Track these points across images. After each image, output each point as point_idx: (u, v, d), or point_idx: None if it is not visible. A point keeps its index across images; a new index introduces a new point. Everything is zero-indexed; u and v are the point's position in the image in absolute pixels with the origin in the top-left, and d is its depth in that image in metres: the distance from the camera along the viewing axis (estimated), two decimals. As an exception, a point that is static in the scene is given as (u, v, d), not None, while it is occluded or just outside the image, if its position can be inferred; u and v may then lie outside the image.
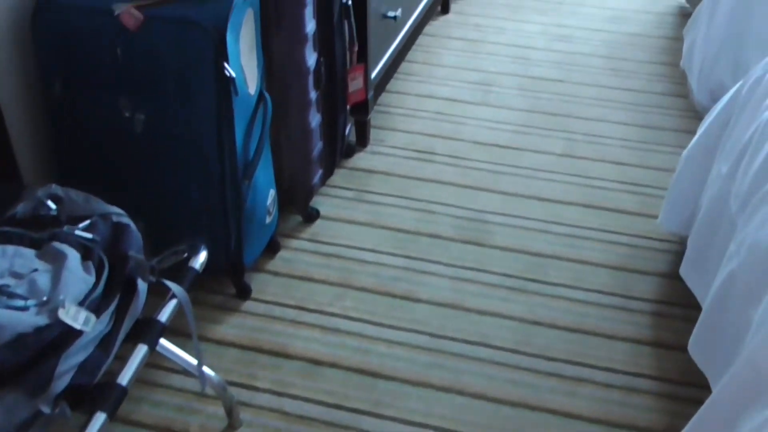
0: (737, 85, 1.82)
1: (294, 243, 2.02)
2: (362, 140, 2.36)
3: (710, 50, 2.38)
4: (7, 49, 1.63)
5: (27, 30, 1.63)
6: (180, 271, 1.44)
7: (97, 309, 1.24)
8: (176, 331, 1.44)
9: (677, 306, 1.87)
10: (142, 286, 1.31)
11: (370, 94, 2.26)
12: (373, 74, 2.28)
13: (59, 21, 1.57)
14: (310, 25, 1.83)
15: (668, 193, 1.97)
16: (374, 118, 2.44)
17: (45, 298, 1.20)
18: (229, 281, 1.87)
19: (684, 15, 3.15)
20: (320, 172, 2.08)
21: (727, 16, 2.35)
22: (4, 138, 1.64)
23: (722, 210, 1.62)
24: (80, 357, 1.20)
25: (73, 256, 1.28)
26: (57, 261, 1.27)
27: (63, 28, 1.57)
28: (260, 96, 1.74)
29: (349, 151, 2.32)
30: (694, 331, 1.58)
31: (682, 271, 1.80)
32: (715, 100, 2.35)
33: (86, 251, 1.31)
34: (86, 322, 1.20)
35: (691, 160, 1.90)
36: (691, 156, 1.90)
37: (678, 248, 2.00)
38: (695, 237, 1.76)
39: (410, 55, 2.79)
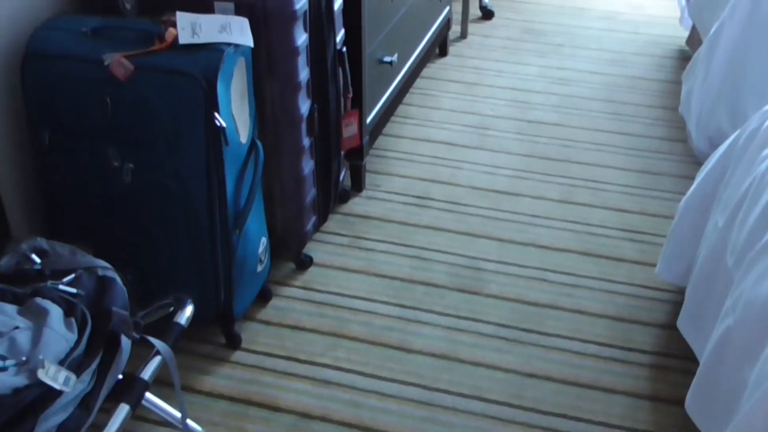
0: (734, 135, 1.80)
1: (286, 291, 2.00)
2: (357, 185, 2.35)
3: (708, 97, 2.37)
4: (-3, 98, 1.62)
5: (16, 78, 1.62)
6: (167, 323, 1.42)
7: (78, 367, 1.21)
8: (162, 382, 1.41)
9: (676, 358, 1.84)
10: (125, 343, 1.29)
11: (365, 139, 2.24)
12: (369, 119, 2.28)
13: (49, 70, 1.56)
14: (304, 73, 1.82)
15: (666, 243, 1.94)
16: (370, 162, 2.43)
17: (24, 358, 1.18)
18: (218, 330, 1.84)
19: (684, 58, 3.15)
20: (314, 218, 2.06)
21: (724, 63, 2.34)
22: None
23: (719, 263, 1.60)
24: (60, 417, 1.18)
25: (55, 312, 1.26)
26: (39, 318, 1.25)
27: (53, 77, 1.56)
28: (252, 144, 1.73)
29: (344, 196, 2.30)
30: (691, 387, 1.55)
31: (680, 324, 1.77)
32: (714, 146, 2.34)
33: (69, 307, 1.29)
34: (66, 381, 1.17)
35: (689, 211, 1.88)
36: (688, 206, 1.88)
37: (678, 298, 1.96)
38: (692, 290, 1.74)
39: (407, 98, 2.79)
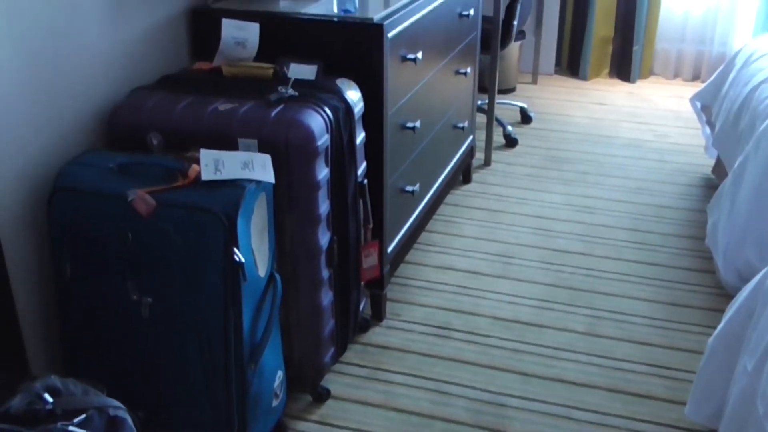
0: (762, 273, 1.76)
1: (302, 426, 1.94)
2: (378, 314, 2.32)
3: (734, 230, 2.34)
4: (23, 230, 1.66)
5: (42, 211, 1.66)
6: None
7: None
8: None
9: None
10: (130, 487, 1.25)
11: (386, 269, 2.24)
12: (390, 248, 2.28)
13: (75, 204, 1.59)
14: (324, 206, 1.84)
15: (695, 382, 1.88)
16: (391, 290, 2.41)
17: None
18: (231, 467, 1.78)
19: (710, 187, 3.15)
20: (332, 350, 2.03)
21: (750, 196, 2.32)
22: (12, 318, 1.64)
23: (749, 410, 1.53)
24: None
25: (61, 454, 1.24)
26: (44, 460, 1.23)
27: (78, 211, 1.59)
28: (270, 277, 1.73)
29: (364, 326, 2.27)
30: None
31: (712, 473, 1.68)
32: (743, 279, 2.29)
33: (76, 449, 1.26)
34: None
35: (718, 350, 1.82)
36: (717, 345, 1.83)
37: (709, 441, 1.88)
38: (724, 436, 1.66)
39: (430, 225, 2.80)
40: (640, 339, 2.29)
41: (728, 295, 2.37)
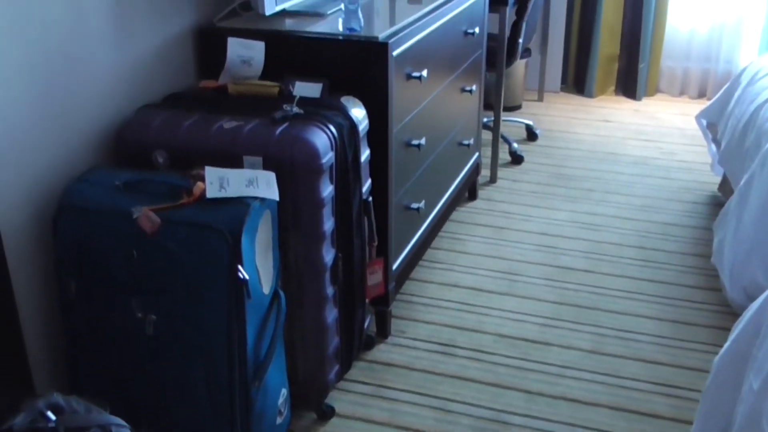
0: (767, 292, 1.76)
1: (306, 443, 1.95)
2: (382, 331, 2.32)
3: (741, 248, 2.33)
4: (29, 247, 1.67)
5: (48, 229, 1.67)
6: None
7: None
8: None
9: None
10: (132, 505, 1.25)
11: (391, 286, 2.24)
12: (395, 264, 2.28)
13: (80, 222, 1.60)
14: (329, 224, 1.85)
15: (702, 401, 1.86)
16: (396, 307, 2.41)
17: None
18: (234, 485, 1.78)
19: (716, 204, 3.14)
20: (336, 367, 2.02)
21: (756, 214, 2.32)
22: (16, 335, 1.64)
23: (756, 430, 1.52)
24: None
25: (63, 472, 1.24)
26: (46, 478, 1.23)
27: (83, 229, 1.60)
28: (275, 294, 1.73)
29: (369, 343, 2.27)
30: None
31: (718, 494, 1.66)
32: (749, 297, 2.28)
33: (78, 466, 1.26)
34: None
35: (724, 369, 1.81)
36: (723, 364, 1.81)
37: (715, 461, 1.86)
38: (730, 457, 1.65)
39: (436, 242, 2.80)
40: (645, 357, 2.28)
41: (734, 314, 2.36)
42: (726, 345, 1.83)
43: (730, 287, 2.41)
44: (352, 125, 1.91)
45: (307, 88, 1.97)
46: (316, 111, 1.86)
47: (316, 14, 2.25)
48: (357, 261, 1.99)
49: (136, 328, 1.61)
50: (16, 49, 1.58)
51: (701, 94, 4.49)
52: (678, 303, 2.54)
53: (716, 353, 1.85)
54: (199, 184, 1.61)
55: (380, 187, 2.12)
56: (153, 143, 1.80)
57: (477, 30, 2.78)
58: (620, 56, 4.48)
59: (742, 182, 2.45)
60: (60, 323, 1.72)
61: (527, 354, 2.29)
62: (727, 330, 1.86)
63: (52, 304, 1.74)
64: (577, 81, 4.60)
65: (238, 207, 1.58)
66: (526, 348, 2.31)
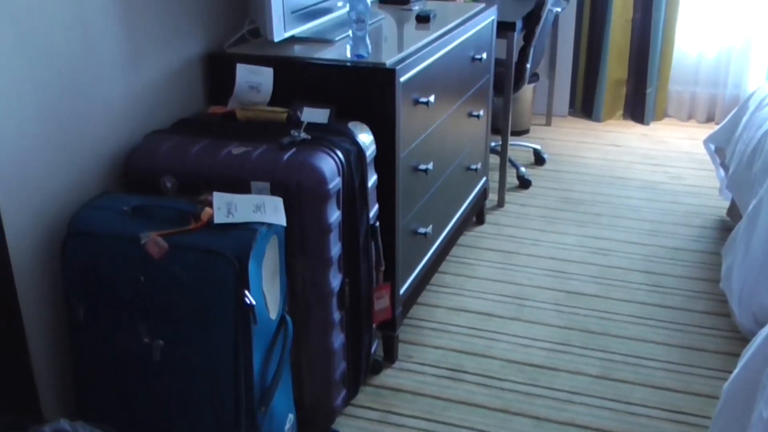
0: (776, 318, 1.75)
1: (312, 469, 1.93)
2: (390, 356, 2.32)
3: (750, 274, 2.32)
4: (38, 272, 1.67)
5: (56, 254, 1.68)
6: None
7: None
8: None
9: None
10: None
11: (398, 311, 2.24)
12: (402, 289, 2.28)
13: (88, 247, 1.61)
14: (335, 249, 1.85)
15: (711, 429, 1.84)
16: (403, 332, 2.41)
17: None
18: None
19: (724, 229, 3.13)
20: (343, 392, 2.02)
21: (765, 239, 2.31)
22: (24, 359, 1.65)
23: (766, 459, 1.50)
24: None
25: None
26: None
27: (91, 254, 1.61)
28: (281, 319, 1.73)
29: (376, 368, 2.27)
30: None
31: None
32: (759, 323, 2.27)
33: (82, 492, 1.26)
34: None
35: (733, 396, 1.79)
36: (732, 391, 1.80)
37: (725, 490, 1.84)
38: (740, 485, 1.63)
39: (443, 266, 2.80)
40: (654, 383, 2.26)
41: (744, 339, 2.34)
42: (735, 372, 1.82)
43: (739, 313, 2.39)
44: (360, 151, 1.92)
45: (315, 114, 1.99)
46: (324, 136, 1.88)
47: (324, 41, 2.27)
48: (364, 286, 1.99)
49: (143, 352, 1.61)
50: (25, 76, 1.60)
51: (709, 119, 4.49)
52: (687, 328, 2.53)
53: (726, 379, 1.84)
54: (207, 209, 1.62)
55: (387, 212, 2.12)
56: (161, 169, 1.81)
57: (484, 55, 2.80)
58: (628, 81, 4.49)
59: (750, 207, 2.44)
60: (67, 347, 1.73)
61: (535, 379, 2.27)
62: (737, 356, 1.85)
63: (59, 327, 1.74)
64: (584, 105, 4.61)
65: (246, 232, 1.58)
66: (534, 373, 2.30)
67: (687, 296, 2.71)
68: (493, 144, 3.38)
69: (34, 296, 1.68)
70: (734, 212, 3.07)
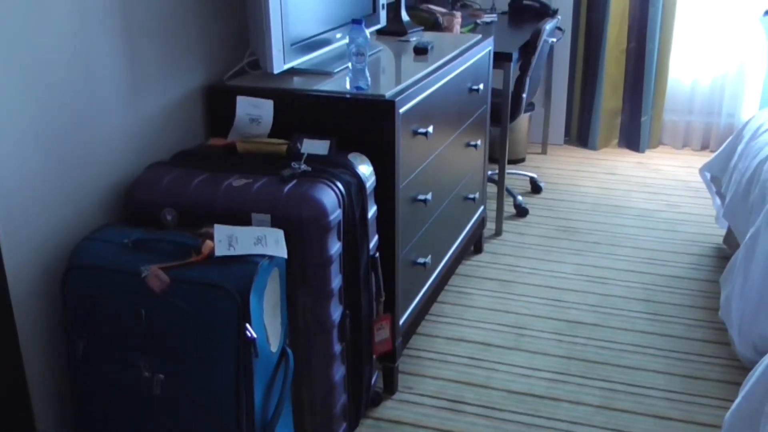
0: (777, 348, 1.75)
1: (313, 504, 1.91)
2: (390, 387, 2.30)
3: (749, 304, 2.33)
4: (36, 306, 1.67)
5: (58, 288, 1.67)
6: None
7: None
8: None
9: None
10: None
11: (398, 342, 2.23)
12: (402, 319, 2.27)
13: (89, 281, 1.61)
14: (336, 281, 1.85)
15: (713, 459, 1.84)
16: (403, 362, 2.40)
17: None
18: None
19: (722, 257, 3.14)
20: (344, 425, 2.01)
21: (763, 268, 2.31)
22: (24, 394, 1.64)
23: (771, 491, 1.50)
24: None
25: None
26: None
27: (92, 288, 1.61)
28: (282, 352, 1.73)
29: (376, 400, 2.25)
30: None
31: None
32: (759, 353, 2.27)
33: None
34: None
35: (735, 426, 1.79)
36: (734, 421, 1.80)
37: None
38: None
39: (442, 296, 2.79)
40: (655, 413, 2.25)
41: (745, 368, 2.34)
42: (737, 401, 1.82)
43: (739, 343, 2.39)
44: (360, 182, 1.93)
45: (315, 146, 2.00)
46: (324, 168, 1.88)
47: (323, 73, 2.29)
48: (364, 317, 1.99)
49: (143, 386, 1.60)
50: (26, 109, 1.61)
51: (704, 146, 4.53)
52: (687, 357, 2.52)
53: (727, 408, 1.84)
54: (208, 242, 1.62)
55: (387, 243, 2.12)
56: (162, 201, 1.82)
57: (481, 86, 2.82)
58: (623, 109, 4.53)
59: (747, 237, 2.45)
60: (67, 380, 1.72)
61: (536, 410, 2.26)
62: (738, 384, 1.85)
63: (59, 361, 1.73)
64: (580, 134, 4.64)
65: (247, 265, 1.58)
66: (535, 404, 2.29)
67: (686, 325, 2.71)
68: (490, 173, 3.39)
69: (33, 330, 1.67)
70: (731, 240, 3.08)
